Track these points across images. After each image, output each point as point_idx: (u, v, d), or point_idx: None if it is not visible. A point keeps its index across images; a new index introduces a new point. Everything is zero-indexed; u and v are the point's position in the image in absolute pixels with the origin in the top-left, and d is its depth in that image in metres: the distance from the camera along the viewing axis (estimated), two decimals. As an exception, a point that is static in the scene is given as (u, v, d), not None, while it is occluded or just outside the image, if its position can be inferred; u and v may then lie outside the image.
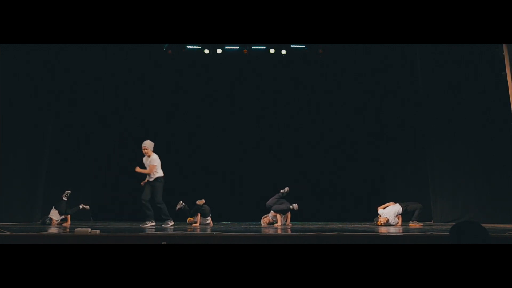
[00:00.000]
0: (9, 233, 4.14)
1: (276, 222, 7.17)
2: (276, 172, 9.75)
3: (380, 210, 7.14)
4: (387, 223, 6.95)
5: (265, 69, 10.27)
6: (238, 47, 10.02)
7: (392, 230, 5.46)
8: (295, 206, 7.09)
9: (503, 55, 5.19)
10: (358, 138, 10.02)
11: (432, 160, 8.02)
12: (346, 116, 10.09)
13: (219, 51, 9.94)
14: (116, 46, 9.46)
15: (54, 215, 7.33)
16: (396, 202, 7.24)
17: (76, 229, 4.28)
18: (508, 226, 5.79)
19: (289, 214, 7.36)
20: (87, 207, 8.06)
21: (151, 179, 6.51)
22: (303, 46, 10.11)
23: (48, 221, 7.14)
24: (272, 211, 7.27)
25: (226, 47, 10.00)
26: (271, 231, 5.20)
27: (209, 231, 5.15)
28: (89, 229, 4.23)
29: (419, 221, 7.02)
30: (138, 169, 6.55)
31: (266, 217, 7.42)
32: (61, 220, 7.42)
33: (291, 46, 10.04)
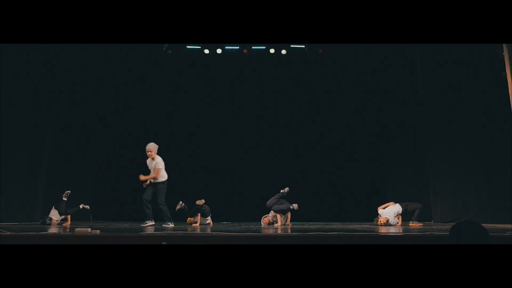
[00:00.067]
0: (9, 233, 4.14)
1: (276, 222, 7.17)
2: (276, 172, 9.75)
3: (380, 210, 7.14)
4: (387, 223, 6.95)
5: (265, 69, 10.27)
6: (238, 47, 10.02)
7: (392, 230, 5.46)
8: (295, 206, 7.09)
9: (503, 55, 5.18)
10: (358, 138, 10.02)
11: (432, 160, 8.02)
12: (346, 116, 10.09)
13: (219, 51, 9.94)
14: (116, 46, 9.46)
15: (54, 215, 7.33)
16: (396, 202, 7.24)
17: (76, 229, 4.28)
18: (508, 226, 5.79)
19: (289, 214, 7.36)
20: (87, 207, 8.06)
21: (155, 181, 6.52)
22: (303, 46, 10.11)
23: (48, 221, 7.14)
24: (272, 211, 7.27)
25: (226, 47, 10.00)
26: (271, 231, 5.20)
27: (209, 231, 5.15)
28: (89, 229, 4.22)
29: (419, 221, 7.02)
30: (142, 177, 6.50)
31: (266, 217, 7.42)
32: (61, 220, 7.42)
33: (291, 46, 10.04)
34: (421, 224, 6.91)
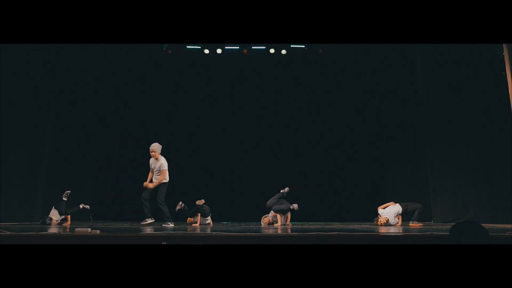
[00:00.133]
0: (9, 233, 4.14)
1: (276, 222, 7.17)
2: (276, 172, 9.75)
3: (380, 210, 7.14)
4: (387, 223, 6.95)
5: (265, 69, 10.27)
6: (238, 47, 10.02)
7: (392, 230, 5.46)
8: (295, 206, 7.09)
9: (503, 55, 5.18)
10: (358, 138, 10.02)
11: (432, 160, 8.02)
12: (346, 116, 10.09)
13: (219, 51, 9.94)
14: (116, 46, 9.46)
15: (54, 215, 7.33)
16: (396, 202, 7.24)
17: (76, 229, 4.28)
18: (508, 226, 5.79)
19: (289, 214, 7.36)
20: (87, 207, 8.06)
21: (156, 180, 6.52)
22: (303, 46, 10.11)
23: (48, 221, 7.14)
24: (272, 211, 7.27)
25: (226, 47, 9.99)
26: (271, 231, 5.20)
27: (209, 231, 5.15)
28: (89, 229, 4.22)
29: (419, 221, 7.02)
30: (150, 185, 6.45)
31: (266, 217, 7.42)
32: (61, 220, 7.42)
33: (291, 46, 10.04)
34: (421, 224, 6.91)
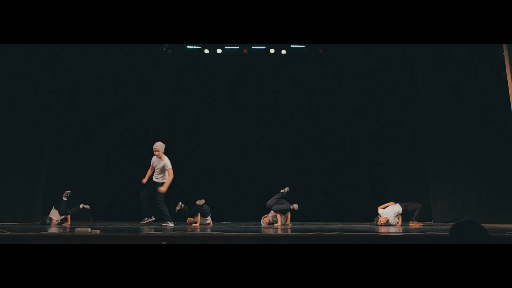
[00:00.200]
0: (9, 233, 4.13)
1: (276, 222, 7.17)
2: (276, 172, 9.75)
3: (380, 210, 7.14)
4: (387, 223, 6.95)
5: (265, 69, 10.26)
6: (238, 47, 10.01)
7: (392, 230, 5.46)
8: (295, 206, 7.08)
9: (503, 55, 5.18)
10: (358, 138, 10.02)
11: (432, 160, 8.02)
12: (346, 116, 10.09)
13: (219, 51, 9.93)
14: (116, 46, 9.45)
15: (54, 215, 7.33)
16: (396, 202, 7.24)
17: (76, 229, 4.28)
18: (508, 226, 5.79)
19: (289, 214, 7.36)
20: (87, 207, 8.06)
21: (157, 180, 6.53)
22: (303, 46, 10.11)
23: (48, 221, 7.14)
24: (272, 211, 7.27)
25: (226, 47, 9.99)
26: (271, 231, 5.20)
27: (209, 231, 5.15)
28: (89, 229, 4.22)
29: (419, 221, 7.02)
30: (163, 189, 6.43)
31: (266, 217, 7.42)
32: (61, 220, 7.42)
33: (291, 46, 10.03)
34: (421, 224, 6.91)
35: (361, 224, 7.46)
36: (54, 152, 8.49)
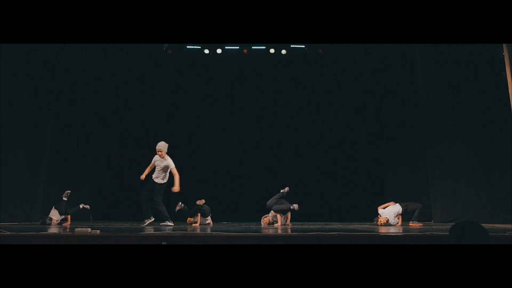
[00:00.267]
0: (9, 233, 4.13)
1: (276, 222, 7.17)
2: (276, 172, 9.75)
3: (380, 210, 7.14)
4: (387, 223, 6.95)
5: (265, 69, 10.27)
6: (238, 47, 10.02)
7: (392, 230, 5.46)
8: (295, 206, 7.08)
9: (503, 55, 5.18)
10: (358, 138, 10.03)
11: (432, 160, 8.02)
12: (346, 116, 10.09)
13: (219, 51, 9.94)
14: (116, 46, 9.46)
15: (54, 215, 7.34)
16: (396, 202, 7.24)
17: (76, 229, 4.28)
18: (508, 226, 5.78)
19: (289, 214, 7.36)
20: (87, 207, 8.06)
21: (157, 179, 6.53)
22: (303, 46, 10.11)
23: (48, 221, 7.14)
24: (272, 211, 7.27)
25: (226, 47, 9.99)
26: (271, 231, 5.20)
27: (209, 231, 5.15)
28: (89, 229, 4.22)
29: (419, 221, 7.02)
30: (177, 189, 6.43)
31: (266, 217, 7.41)
32: (61, 220, 7.42)
33: (291, 46, 10.04)
34: (421, 224, 6.91)
35: (361, 224, 7.46)
36: (54, 152, 8.49)
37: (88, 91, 9.38)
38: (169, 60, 10.15)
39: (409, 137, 9.25)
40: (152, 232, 4.91)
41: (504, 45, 5.14)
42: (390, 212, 7.06)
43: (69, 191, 7.64)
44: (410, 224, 6.95)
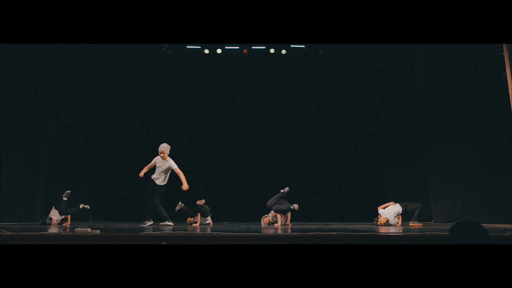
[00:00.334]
0: (9, 233, 4.13)
1: (276, 222, 7.17)
2: (276, 172, 9.74)
3: (380, 210, 7.13)
4: (387, 223, 6.95)
5: (265, 69, 10.27)
6: (238, 47, 10.02)
7: (392, 230, 5.46)
8: (295, 206, 7.08)
9: (503, 55, 5.18)
10: (358, 138, 10.03)
11: (432, 160, 8.02)
12: (346, 116, 10.09)
13: (219, 51, 9.94)
14: (116, 46, 9.46)
15: (54, 215, 7.33)
16: (396, 202, 7.24)
17: (76, 229, 4.28)
18: (508, 226, 5.78)
19: (289, 214, 7.36)
20: (87, 207, 8.06)
21: (157, 180, 6.54)
22: (303, 46, 10.11)
23: (48, 221, 7.14)
24: (272, 211, 7.27)
25: (226, 47, 9.99)
26: (271, 231, 5.20)
27: (209, 231, 5.15)
28: (89, 229, 4.22)
29: (419, 221, 7.01)
30: (186, 187, 6.53)
31: (266, 217, 7.41)
32: (61, 220, 7.42)
33: (291, 46, 10.04)
34: (421, 224, 6.91)
35: (361, 224, 7.46)
36: (54, 152, 8.49)
37: (88, 91, 9.38)
38: (169, 60, 10.15)
39: (409, 137, 9.25)
40: (152, 232, 4.91)
41: (504, 45, 5.14)
42: (390, 212, 7.06)
43: (69, 191, 7.64)
44: (410, 224, 6.94)
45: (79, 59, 9.00)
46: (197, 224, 7.04)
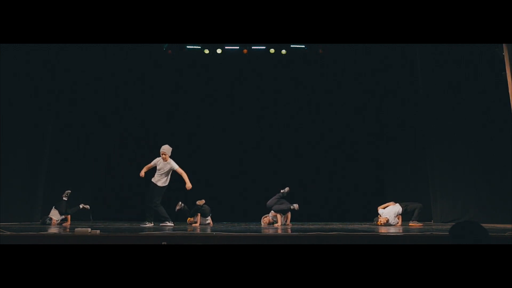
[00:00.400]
0: (9, 233, 4.13)
1: (276, 222, 7.17)
2: (276, 172, 9.74)
3: (380, 210, 7.14)
4: (387, 223, 6.95)
5: (265, 69, 10.27)
6: (238, 47, 10.02)
7: (392, 230, 5.46)
8: (295, 206, 7.08)
9: (503, 55, 5.18)
10: (358, 138, 10.02)
11: (432, 160, 8.02)
12: (346, 116, 10.09)
13: (219, 51, 9.94)
14: (116, 46, 9.46)
15: (54, 215, 7.33)
16: (396, 202, 7.24)
17: (76, 229, 4.28)
18: (508, 226, 5.78)
19: (289, 214, 7.36)
20: (87, 207, 8.06)
21: (157, 181, 6.54)
22: (303, 46, 10.11)
23: (48, 221, 7.14)
24: (272, 211, 7.27)
25: (226, 47, 9.99)
26: (271, 231, 5.20)
27: (209, 231, 5.15)
28: (89, 229, 4.22)
29: (419, 221, 7.02)
30: (189, 186, 6.61)
31: (266, 217, 7.41)
32: (61, 220, 7.42)
33: (291, 46, 10.04)
34: (421, 224, 6.91)
35: (361, 224, 7.46)
36: (54, 152, 8.49)
37: (88, 91, 9.38)
38: (169, 60, 10.15)
39: (409, 137, 9.25)
40: (152, 232, 4.91)
41: (504, 45, 5.14)
42: (390, 212, 7.06)
43: (69, 191, 7.64)
44: (410, 224, 6.95)
45: (79, 59, 9.00)
46: (197, 224, 7.04)
